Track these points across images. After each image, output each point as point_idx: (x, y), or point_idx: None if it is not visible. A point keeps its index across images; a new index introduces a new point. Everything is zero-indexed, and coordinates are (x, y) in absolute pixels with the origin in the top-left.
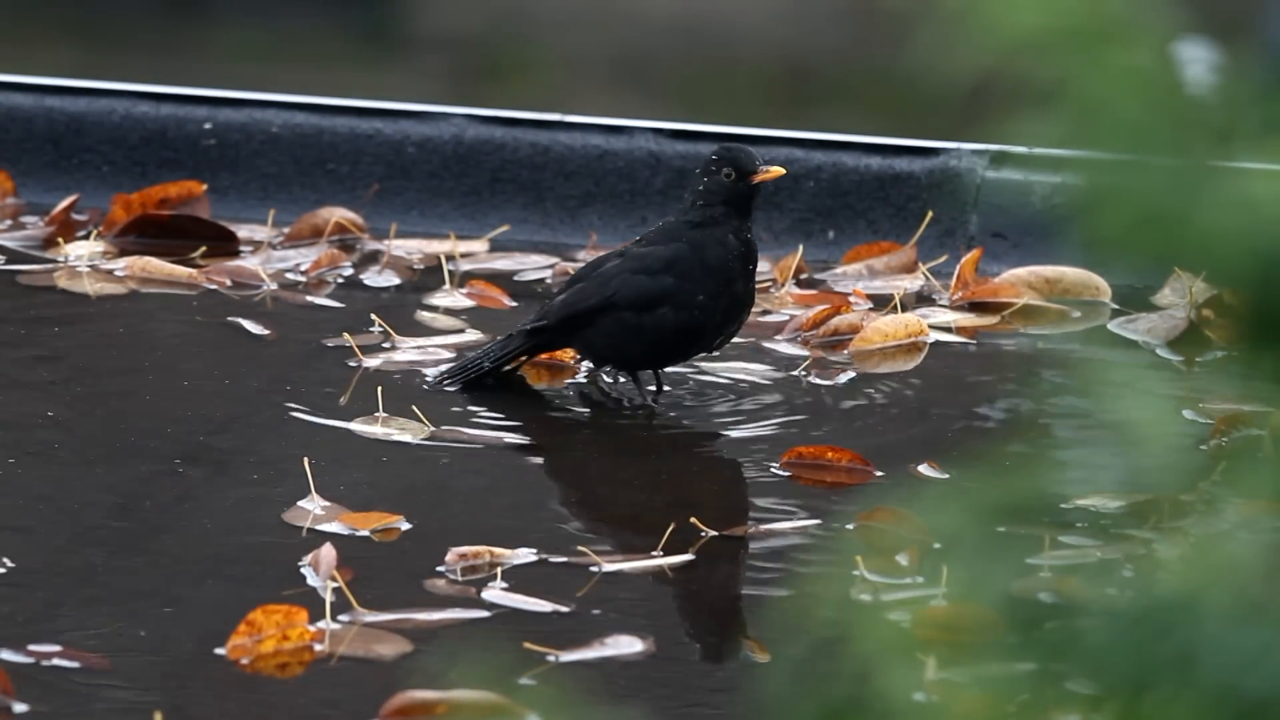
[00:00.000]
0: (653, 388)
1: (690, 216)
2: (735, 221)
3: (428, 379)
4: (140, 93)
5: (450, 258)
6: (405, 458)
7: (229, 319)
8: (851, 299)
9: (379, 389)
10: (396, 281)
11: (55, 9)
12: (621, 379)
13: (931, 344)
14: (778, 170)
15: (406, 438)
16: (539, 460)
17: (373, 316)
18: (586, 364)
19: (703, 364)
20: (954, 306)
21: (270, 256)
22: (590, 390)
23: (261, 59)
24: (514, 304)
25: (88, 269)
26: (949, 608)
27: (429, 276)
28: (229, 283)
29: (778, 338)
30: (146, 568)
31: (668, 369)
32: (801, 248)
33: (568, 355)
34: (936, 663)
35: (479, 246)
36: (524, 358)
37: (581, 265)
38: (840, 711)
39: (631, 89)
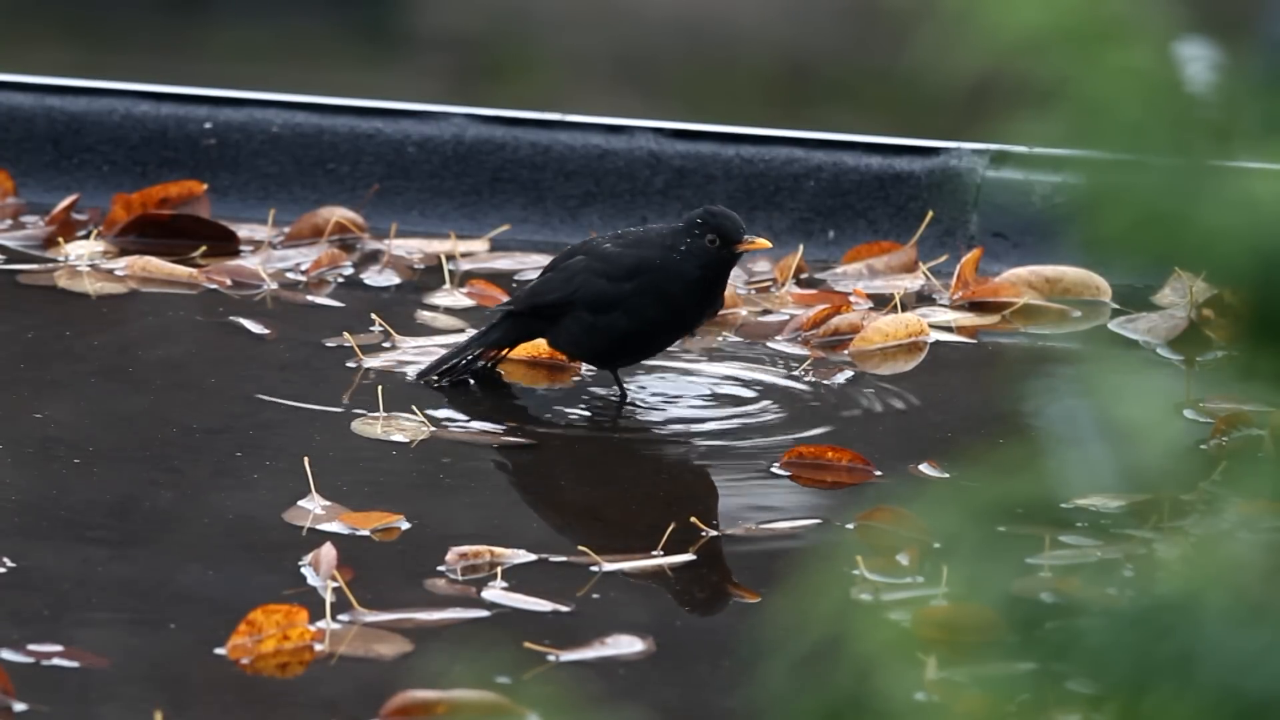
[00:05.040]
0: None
1: (672, 247)
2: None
3: (409, 376)
4: (140, 93)
5: (450, 257)
6: (405, 458)
7: (229, 319)
8: (852, 299)
9: (379, 389)
10: (396, 281)
11: (55, 9)
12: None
13: (932, 344)
14: (763, 243)
15: (406, 437)
16: (539, 460)
17: (373, 316)
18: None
19: (702, 364)
20: (954, 306)
21: (270, 256)
22: (590, 390)
23: (261, 59)
24: None
25: (88, 269)
26: (949, 608)
27: (429, 276)
28: (229, 282)
29: (778, 338)
30: (146, 568)
31: (649, 361)
32: (801, 247)
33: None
34: (936, 663)
35: (479, 246)
36: (506, 349)
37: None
38: (840, 711)
39: (631, 89)
